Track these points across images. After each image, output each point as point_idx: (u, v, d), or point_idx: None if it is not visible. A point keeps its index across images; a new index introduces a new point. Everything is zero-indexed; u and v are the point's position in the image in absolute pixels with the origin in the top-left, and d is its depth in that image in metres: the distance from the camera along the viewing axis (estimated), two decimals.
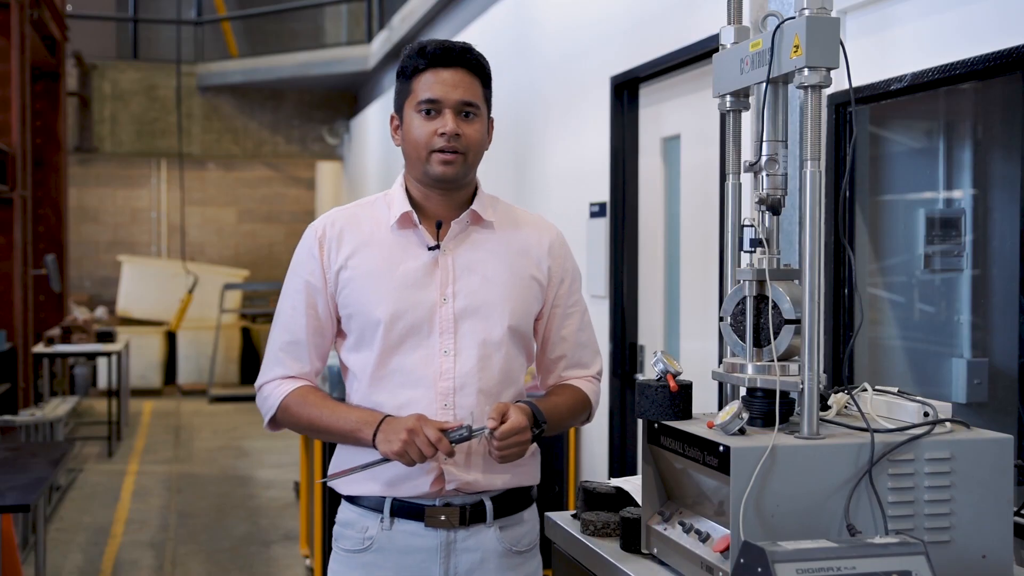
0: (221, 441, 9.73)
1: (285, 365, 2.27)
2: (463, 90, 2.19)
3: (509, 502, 2.27)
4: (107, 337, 9.58)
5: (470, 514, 2.22)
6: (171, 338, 13.31)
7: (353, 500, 2.27)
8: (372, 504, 2.23)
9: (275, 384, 2.27)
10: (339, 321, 2.28)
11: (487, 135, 2.27)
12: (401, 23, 8.76)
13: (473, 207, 2.27)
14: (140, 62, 13.01)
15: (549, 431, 2.23)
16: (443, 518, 2.20)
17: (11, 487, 4.05)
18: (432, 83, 2.19)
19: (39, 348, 8.67)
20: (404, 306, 2.20)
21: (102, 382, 12.13)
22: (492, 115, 2.30)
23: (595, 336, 2.43)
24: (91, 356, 10.00)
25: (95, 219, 15.13)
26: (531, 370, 2.42)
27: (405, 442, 2.06)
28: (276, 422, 2.29)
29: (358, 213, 2.30)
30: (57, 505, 7.23)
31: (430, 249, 2.23)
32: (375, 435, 2.13)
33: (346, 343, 2.28)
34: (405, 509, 2.21)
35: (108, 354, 9.23)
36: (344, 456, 2.27)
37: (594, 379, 2.41)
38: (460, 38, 7.94)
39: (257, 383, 2.32)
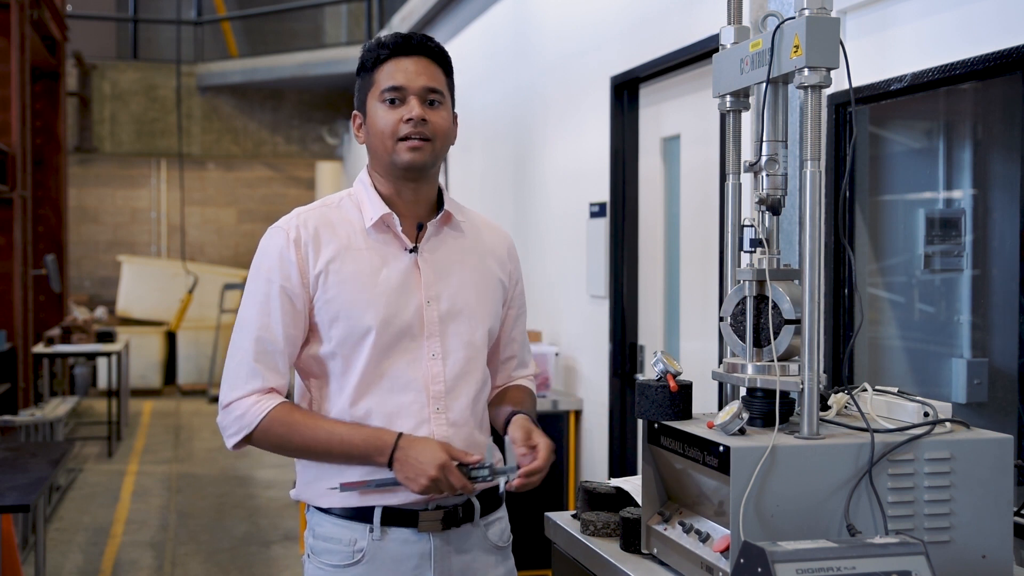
0: (221, 441, 9.68)
1: (263, 377, 2.11)
2: (427, 77, 2.15)
3: (490, 499, 2.26)
4: (107, 337, 9.58)
5: (462, 514, 2.20)
6: (171, 338, 13.31)
7: (330, 511, 2.17)
8: (358, 515, 2.15)
9: (252, 400, 2.10)
10: (309, 328, 2.18)
11: (453, 126, 2.22)
12: (401, 23, 8.75)
13: (446, 207, 2.24)
14: (140, 62, 13.00)
15: None
16: (437, 521, 2.16)
17: (11, 487, 4.04)
18: (395, 71, 2.15)
19: (39, 348, 8.66)
20: (393, 311, 2.14)
21: (102, 382, 12.13)
22: (456, 110, 2.25)
23: None
24: (91, 356, 9.99)
25: (95, 219, 15.13)
26: None
27: (432, 482, 2.04)
28: (249, 441, 2.12)
29: (327, 214, 2.19)
30: (57, 505, 7.22)
31: (409, 251, 2.18)
32: (391, 462, 2.07)
33: (322, 350, 2.16)
34: (397, 516, 2.15)
35: (108, 354, 9.23)
36: (312, 469, 2.19)
37: (534, 378, 2.46)
38: (460, 38, 7.94)
39: (226, 398, 2.12)
